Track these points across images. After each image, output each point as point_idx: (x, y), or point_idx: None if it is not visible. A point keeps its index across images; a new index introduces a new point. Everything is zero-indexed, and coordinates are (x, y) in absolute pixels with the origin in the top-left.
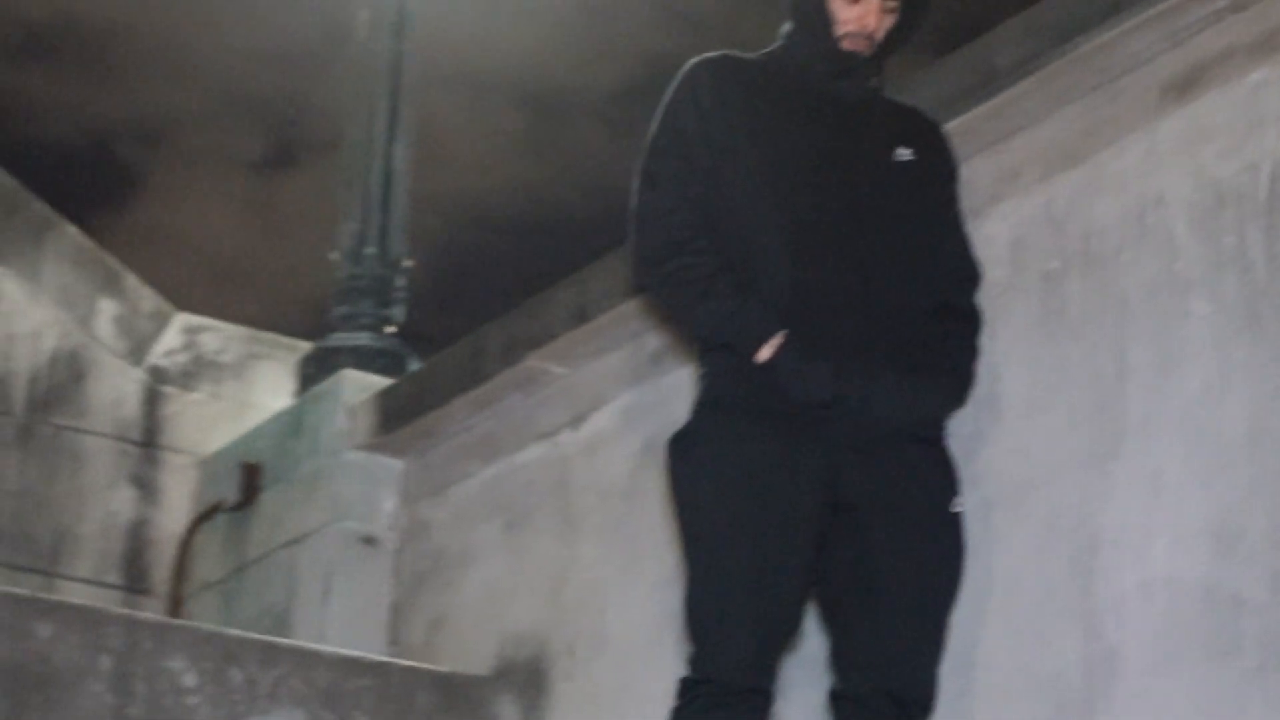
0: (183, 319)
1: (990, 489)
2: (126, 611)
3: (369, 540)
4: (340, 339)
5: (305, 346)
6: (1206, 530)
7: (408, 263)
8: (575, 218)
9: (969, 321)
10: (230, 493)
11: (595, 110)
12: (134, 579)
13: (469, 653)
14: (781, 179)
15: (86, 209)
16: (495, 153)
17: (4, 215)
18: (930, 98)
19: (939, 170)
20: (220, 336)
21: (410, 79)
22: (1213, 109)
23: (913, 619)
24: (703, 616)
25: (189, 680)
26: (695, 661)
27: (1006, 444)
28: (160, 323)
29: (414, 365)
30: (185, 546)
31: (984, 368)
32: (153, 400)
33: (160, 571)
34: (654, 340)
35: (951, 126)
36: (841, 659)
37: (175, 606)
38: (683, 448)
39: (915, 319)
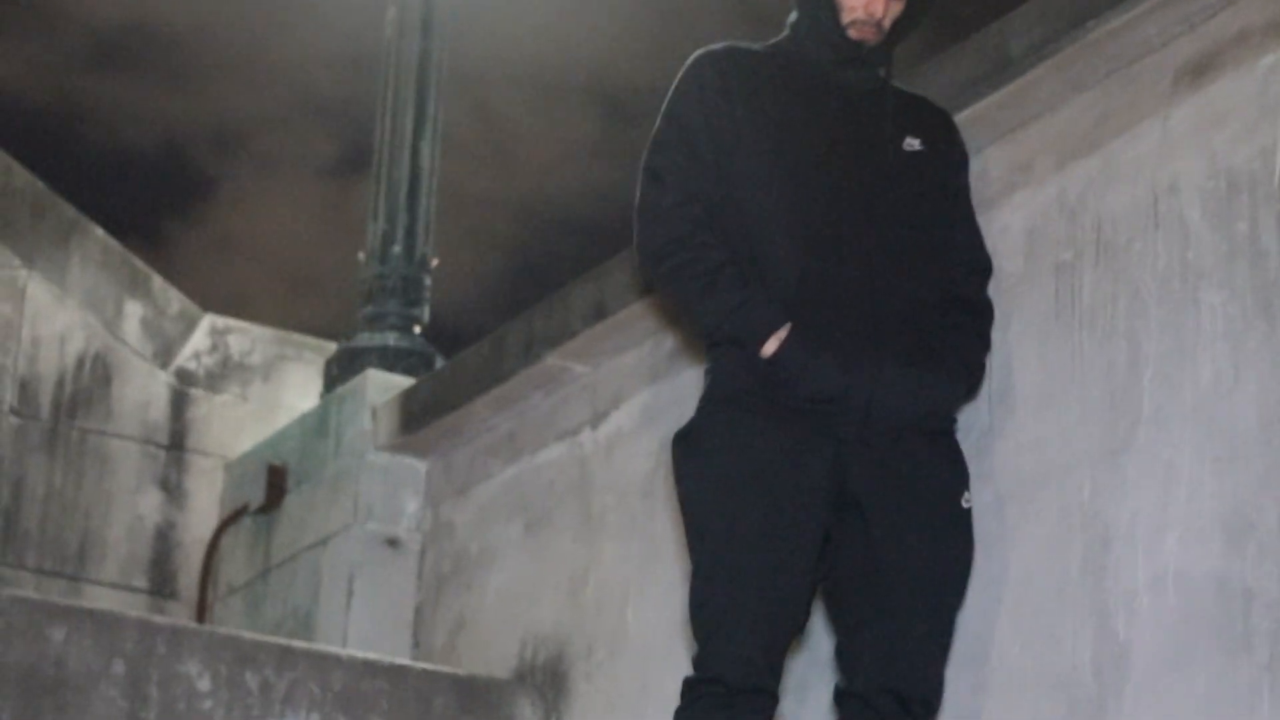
0: (210, 321)
1: (1004, 484)
2: (140, 615)
3: (392, 542)
4: (366, 339)
5: (333, 347)
6: (1218, 523)
7: (434, 262)
8: None
9: (979, 313)
10: (256, 495)
11: None
12: (160, 583)
13: (491, 655)
14: (788, 171)
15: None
16: (568, 155)
17: (31, 218)
18: (944, 85)
19: (949, 160)
20: (248, 338)
21: (440, 77)
22: (1225, 94)
23: (918, 616)
24: (708, 615)
25: (203, 684)
26: (700, 661)
27: (1020, 438)
28: (188, 325)
29: (441, 366)
30: (212, 550)
31: (998, 361)
32: (180, 403)
33: (187, 576)
34: (672, 337)
35: (966, 115)
36: (846, 656)
37: (202, 611)
38: (688, 444)
39: (924, 311)
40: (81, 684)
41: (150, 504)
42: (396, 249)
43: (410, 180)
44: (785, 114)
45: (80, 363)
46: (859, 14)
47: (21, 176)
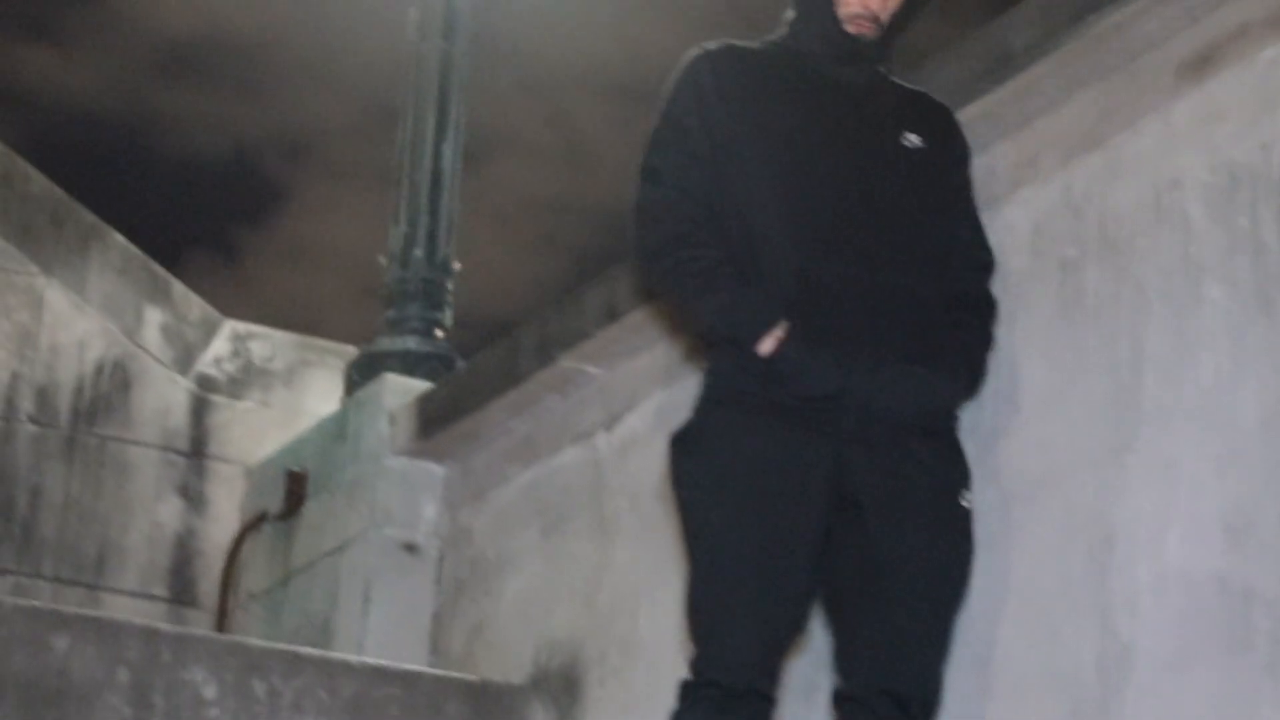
0: (231, 327)
1: (1009, 484)
2: (145, 623)
3: (410, 548)
4: (387, 343)
5: (355, 352)
6: (1220, 522)
7: (456, 265)
8: None
9: (982, 310)
10: (276, 502)
11: None
12: (180, 591)
13: (507, 661)
14: (786, 168)
15: (231, 224)
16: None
17: (51, 225)
18: (945, 82)
19: (949, 155)
20: (269, 344)
21: (462, 79)
22: (1227, 88)
23: (917, 617)
24: (704, 617)
25: (209, 692)
26: (697, 663)
27: (1025, 438)
28: (208, 331)
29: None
30: (232, 558)
31: (1003, 359)
32: (200, 409)
33: (207, 583)
34: (686, 339)
35: (970, 111)
36: (844, 657)
37: (222, 619)
38: (685, 444)
39: (925, 309)
40: (85, 693)
41: (170, 511)
42: (418, 252)
43: (432, 183)
44: (783, 111)
45: (99, 369)
46: (856, 8)
47: (40, 183)
